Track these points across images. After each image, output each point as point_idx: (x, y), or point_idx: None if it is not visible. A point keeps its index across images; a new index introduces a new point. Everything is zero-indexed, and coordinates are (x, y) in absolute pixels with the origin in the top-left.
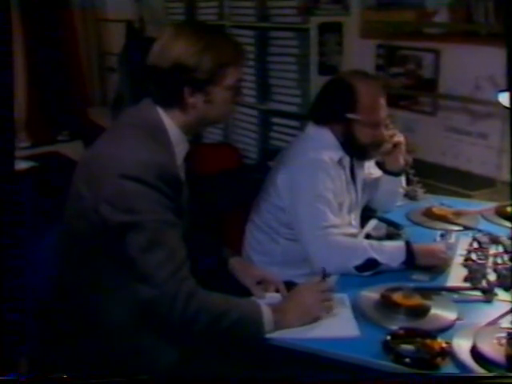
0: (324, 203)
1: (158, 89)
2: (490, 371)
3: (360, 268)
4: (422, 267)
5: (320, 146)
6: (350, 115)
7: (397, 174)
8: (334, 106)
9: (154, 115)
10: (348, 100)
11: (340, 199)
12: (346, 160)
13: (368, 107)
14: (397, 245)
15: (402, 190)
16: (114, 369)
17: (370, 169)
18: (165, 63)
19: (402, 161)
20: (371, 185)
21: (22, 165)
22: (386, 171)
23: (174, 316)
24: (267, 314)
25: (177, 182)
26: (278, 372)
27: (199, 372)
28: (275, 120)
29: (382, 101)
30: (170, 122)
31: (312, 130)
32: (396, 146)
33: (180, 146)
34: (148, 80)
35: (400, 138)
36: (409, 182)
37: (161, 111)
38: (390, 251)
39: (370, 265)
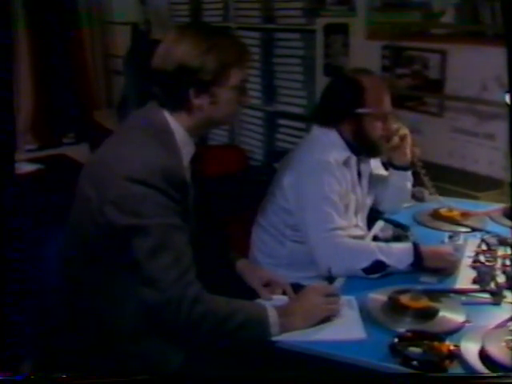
0: (330, 205)
1: (163, 92)
2: None
3: (367, 270)
4: (430, 269)
5: (325, 148)
6: (360, 110)
7: (405, 169)
8: (341, 104)
9: (160, 118)
10: (356, 95)
11: (346, 200)
12: (353, 160)
13: (376, 100)
14: (404, 247)
15: (410, 186)
16: (117, 370)
17: (378, 170)
18: (169, 66)
19: (409, 154)
20: (378, 185)
21: (28, 167)
22: (394, 166)
23: (180, 320)
24: (273, 316)
25: (183, 184)
26: (285, 374)
27: (205, 374)
28: (281, 122)
29: (387, 96)
30: (176, 124)
31: (317, 131)
32: (403, 138)
33: (186, 148)
34: (153, 83)
35: (406, 130)
36: (417, 181)
37: (167, 114)
38: (398, 253)
39: (378, 267)
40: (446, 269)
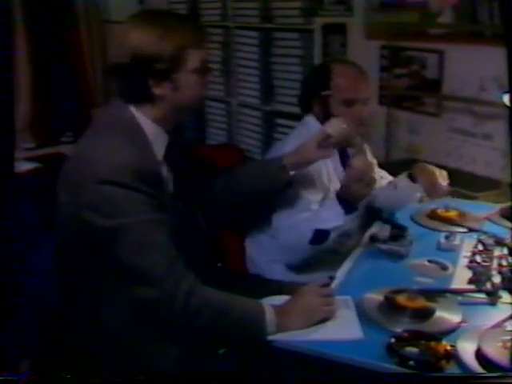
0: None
1: (123, 86)
2: None
3: (313, 241)
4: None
5: (300, 134)
6: (324, 92)
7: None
8: (310, 86)
9: (125, 113)
10: (322, 77)
11: (328, 184)
12: None
13: (341, 85)
14: (329, 202)
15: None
16: (115, 370)
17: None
18: (124, 58)
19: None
20: (382, 191)
21: (26, 166)
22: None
23: (176, 314)
24: (270, 315)
25: (156, 178)
26: (281, 374)
27: (202, 374)
28: (279, 121)
29: (358, 84)
30: (143, 117)
31: (300, 122)
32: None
33: (158, 140)
34: (112, 78)
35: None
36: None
37: (132, 108)
38: (326, 212)
39: (320, 235)
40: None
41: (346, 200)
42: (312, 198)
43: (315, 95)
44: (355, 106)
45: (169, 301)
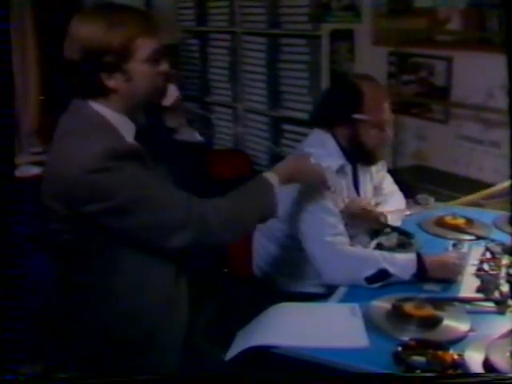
0: (325, 212)
1: (77, 82)
2: None
3: (370, 279)
4: (434, 279)
5: (319, 155)
6: (357, 116)
7: None
8: (339, 107)
9: (86, 110)
10: (354, 100)
11: (341, 207)
12: (348, 168)
13: (374, 107)
14: (408, 256)
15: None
16: (116, 366)
17: (385, 181)
18: (75, 54)
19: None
20: (386, 196)
21: (33, 170)
22: None
23: (211, 236)
24: (273, 179)
25: (134, 151)
26: (286, 381)
27: (204, 376)
28: (286, 127)
29: (386, 104)
30: (105, 108)
31: (313, 137)
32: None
33: (123, 128)
34: (68, 75)
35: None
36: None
37: (91, 103)
38: (401, 263)
39: (381, 276)
40: (450, 278)
41: (425, 270)
42: (334, 214)
43: (341, 116)
44: (385, 128)
45: (198, 230)
